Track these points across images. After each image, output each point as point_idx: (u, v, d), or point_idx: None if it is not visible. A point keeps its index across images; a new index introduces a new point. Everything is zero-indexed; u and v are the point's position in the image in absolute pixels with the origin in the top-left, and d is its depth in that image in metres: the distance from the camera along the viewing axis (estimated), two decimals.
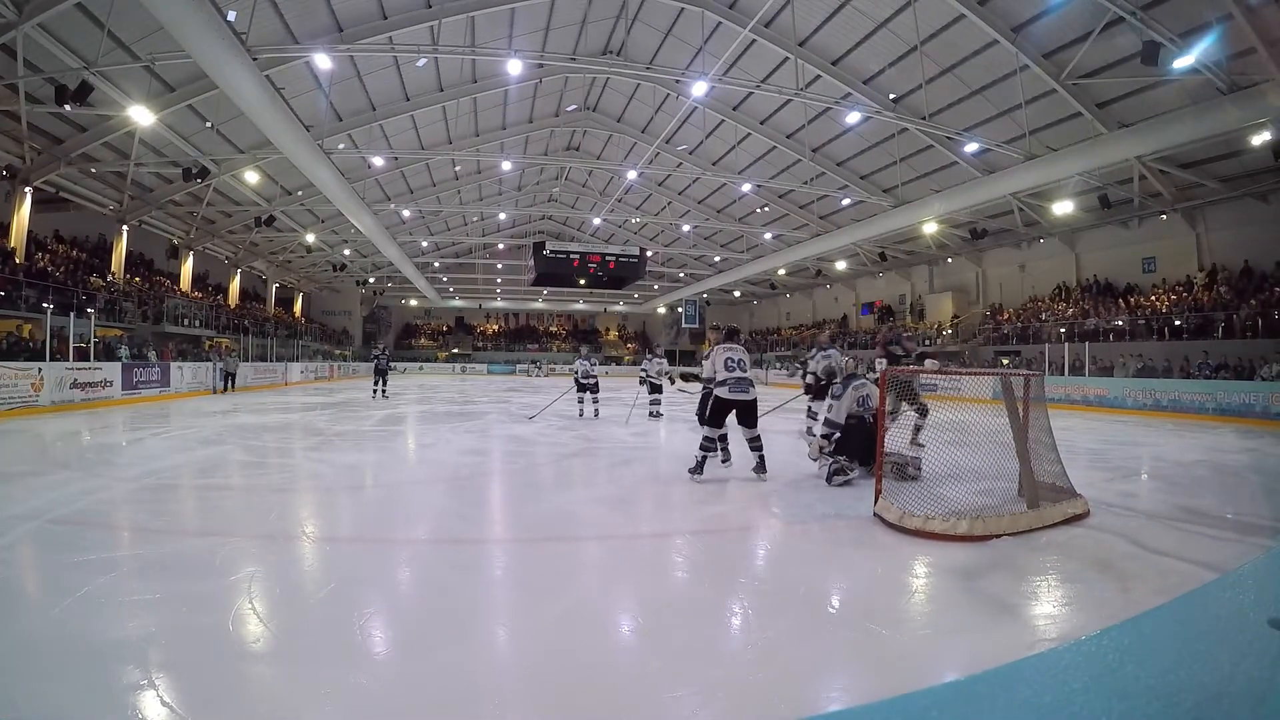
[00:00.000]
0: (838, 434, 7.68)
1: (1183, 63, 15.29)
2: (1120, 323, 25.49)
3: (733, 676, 3.05)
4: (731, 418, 7.82)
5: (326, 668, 3.03)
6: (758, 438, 7.85)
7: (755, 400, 7.87)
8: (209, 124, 22.82)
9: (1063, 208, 24.86)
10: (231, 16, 15.24)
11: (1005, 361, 28.44)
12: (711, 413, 7.95)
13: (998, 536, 5.17)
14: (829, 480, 7.40)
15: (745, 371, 7.84)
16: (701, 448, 7.91)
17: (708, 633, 3.59)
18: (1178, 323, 23.28)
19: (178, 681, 2.88)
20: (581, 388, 16.17)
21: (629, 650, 3.42)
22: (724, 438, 7.97)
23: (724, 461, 8.09)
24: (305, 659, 3.15)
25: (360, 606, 3.85)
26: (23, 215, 22.25)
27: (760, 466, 7.83)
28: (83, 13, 16.25)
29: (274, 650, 3.29)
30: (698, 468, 7.82)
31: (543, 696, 2.87)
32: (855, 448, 7.53)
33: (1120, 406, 19.55)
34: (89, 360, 18.26)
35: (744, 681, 3.00)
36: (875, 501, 5.90)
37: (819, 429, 8.25)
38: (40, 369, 15.96)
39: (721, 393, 7.77)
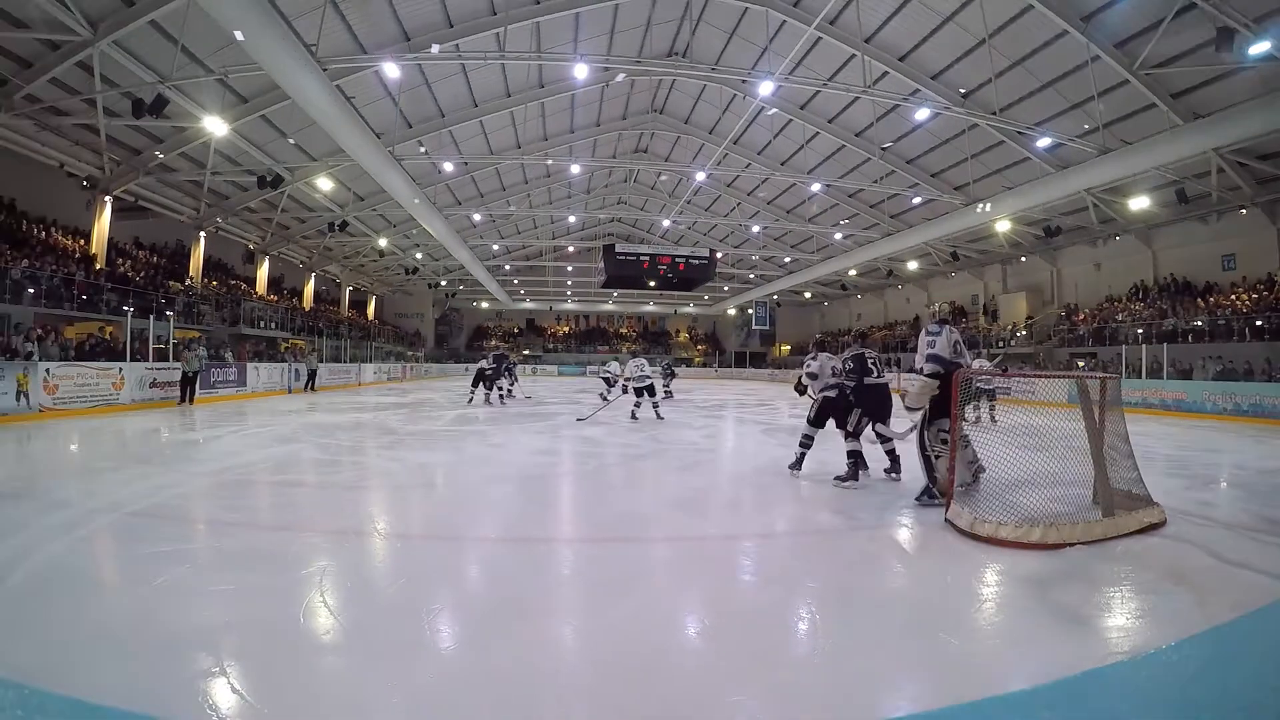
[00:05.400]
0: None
1: (1258, 49, 14.81)
2: (1199, 323, 24.65)
3: (797, 681, 3.03)
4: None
5: (394, 661, 3.10)
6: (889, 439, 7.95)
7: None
8: (288, 139, 23.51)
9: (1139, 203, 24.23)
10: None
11: (1081, 364, 27.80)
12: (816, 414, 8.13)
13: (1071, 545, 5.02)
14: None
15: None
16: (801, 445, 8.18)
17: (773, 637, 3.58)
18: (1259, 323, 22.41)
19: (248, 670, 3.00)
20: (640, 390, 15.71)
21: (694, 652, 3.41)
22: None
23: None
24: (373, 652, 3.22)
25: (429, 602, 3.93)
26: (103, 223, 23.40)
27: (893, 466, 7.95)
28: (156, 29, 16.97)
29: (343, 643, 3.38)
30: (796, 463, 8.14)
31: (607, 695, 2.90)
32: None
33: (1199, 411, 18.90)
34: (168, 361, 18.87)
35: (808, 686, 2.98)
36: (946, 508, 5.84)
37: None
38: (121, 369, 16.71)
39: (832, 395, 8.00)
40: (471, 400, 20.98)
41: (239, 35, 14.18)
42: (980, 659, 3.28)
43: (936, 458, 6.65)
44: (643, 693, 2.91)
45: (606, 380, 22.14)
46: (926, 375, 6.73)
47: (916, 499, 6.73)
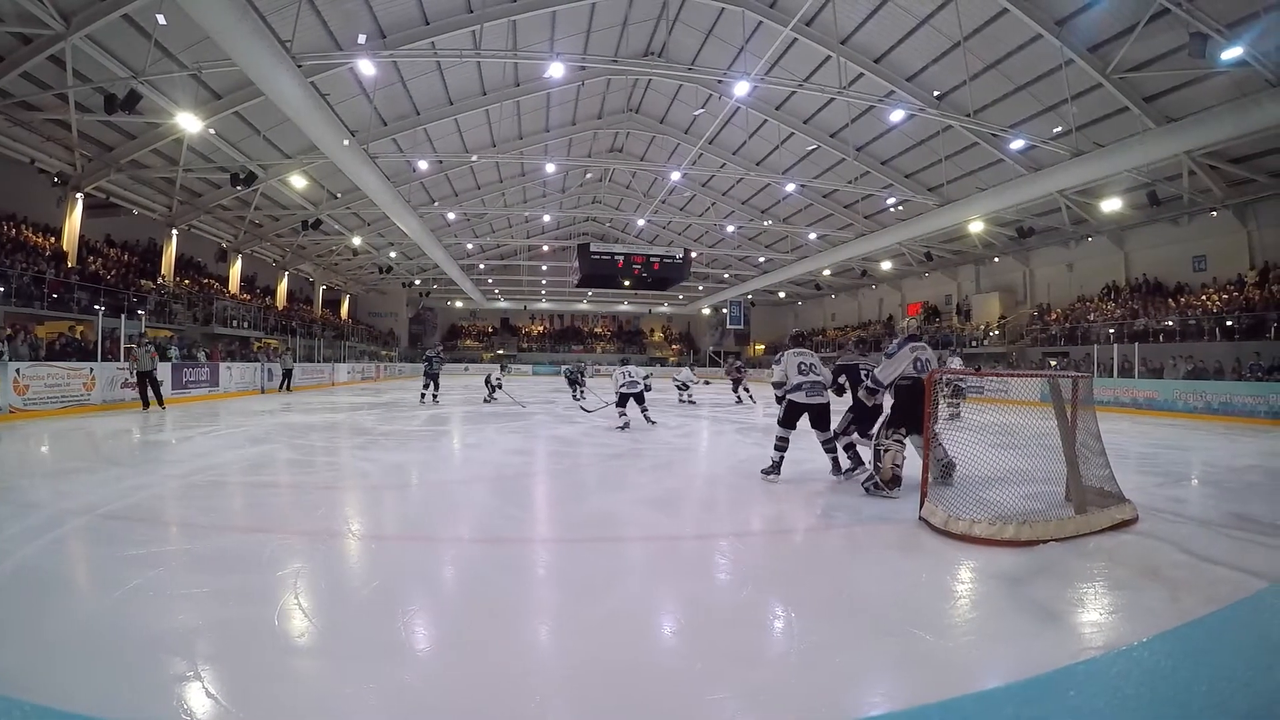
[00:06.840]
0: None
1: (1230, 54, 15.01)
2: (1170, 323, 24.94)
3: (774, 680, 3.04)
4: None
5: (369, 663, 3.09)
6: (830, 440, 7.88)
7: (829, 404, 7.83)
8: (261, 135, 23.29)
9: (1111, 205, 24.52)
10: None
11: (1053, 363, 28.00)
12: (785, 415, 7.91)
13: (1044, 542, 5.07)
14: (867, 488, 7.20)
15: (819, 375, 7.81)
16: (775, 448, 7.92)
17: (750, 636, 3.60)
18: (1229, 323, 22.71)
19: (223, 673, 2.97)
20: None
21: (671, 652, 3.42)
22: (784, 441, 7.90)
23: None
24: (348, 654, 3.20)
25: (404, 604, 3.91)
26: (74, 220, 23.02)
27: (835, 469, 7.92)
28: (129, 24, 16.77)
29: (318, 645, 3.36)
30: (773, 468, 7.86)
31: (584, 695, 2.90)
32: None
33: (1170, 409, 19.13)
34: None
35: (785, 685, 2.99)
36: (921, 505, 5.87)
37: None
38: (92, 369, 16.44)
39: (797, 397, 7.73)
40: (424, 400, 21.41)
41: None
42: (955, 656, 3.30)
43: (885, 450, 7.13)
44: (621, 693, 2.91)
45: (680, 387, 23.01)
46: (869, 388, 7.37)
47: (863, 484, 7.17)
